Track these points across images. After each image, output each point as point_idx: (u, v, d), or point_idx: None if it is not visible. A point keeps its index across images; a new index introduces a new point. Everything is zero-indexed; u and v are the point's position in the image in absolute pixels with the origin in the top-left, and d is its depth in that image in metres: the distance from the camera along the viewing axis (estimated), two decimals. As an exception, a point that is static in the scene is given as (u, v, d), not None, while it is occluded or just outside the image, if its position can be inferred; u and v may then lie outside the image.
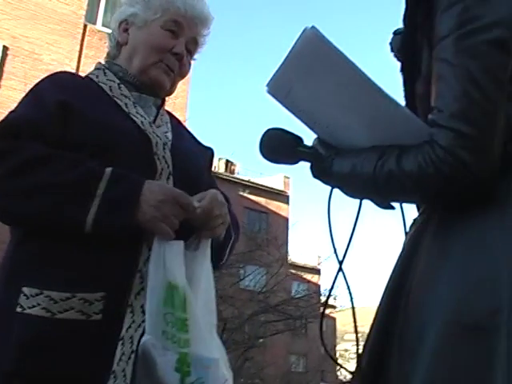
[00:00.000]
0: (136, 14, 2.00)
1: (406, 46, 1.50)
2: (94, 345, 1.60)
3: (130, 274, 1.66)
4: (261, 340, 22.01)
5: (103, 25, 18.87)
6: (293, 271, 26.61)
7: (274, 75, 1.40)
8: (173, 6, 1.97)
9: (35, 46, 17.08)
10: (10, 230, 1.80)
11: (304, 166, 1.58)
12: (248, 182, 33.92)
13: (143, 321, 1.60)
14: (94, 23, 18.73)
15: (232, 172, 34.93)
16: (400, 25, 1.52)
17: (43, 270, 1.65)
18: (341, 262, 1.53)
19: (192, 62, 2.12)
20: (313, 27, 1.32)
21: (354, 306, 1.64)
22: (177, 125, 2.11)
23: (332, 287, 1.62)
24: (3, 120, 1.75)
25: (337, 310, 25.43)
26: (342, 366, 1.99)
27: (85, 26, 18.26)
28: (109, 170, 1.65)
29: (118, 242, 1.65)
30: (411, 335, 1.27)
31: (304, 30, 1.32)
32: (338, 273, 1.54)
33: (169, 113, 2.15)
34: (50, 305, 1.59)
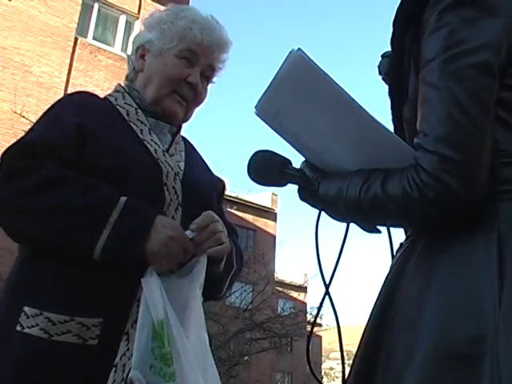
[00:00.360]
0: (152, 41, 2.01)
1: (394, 69, 1.50)
2: (88, 369, 1.61)
3: (128, 303, 1.68)
4: (246, 357, 21.88)
5: (94, 38, 18.89)
6: (279, 289, 26.53)
7: (262, 97, 1.41)
8: (189, 34, 1.97)
9: (26, 57, 17.04)
10: (18, 246, 1.81)
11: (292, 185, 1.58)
12: (236, 198, 33.84)
13: None
14: (85, 36, 18.71)
15: (220, 188, 34.78)
16: (388, 47, 1.51)
17: (45, 291, 1.66)
18: (327, 286, 1.52)
19: (210, 85, 2.12)
20: (299, 49, 1.31)
21: (340, 328, 1.63)
22: (191, 152, 2.11)
23: (318, 311, 1.61)
24: (21, 139, 1.77)
25: (323, 328, 25.31)
26: (325, 387, 1.95)
27: (76, 39, 18.24)
28: (123, 198, 1.67)
29: (120, 269, 1.66)
30: (397, 358, 1.25)
31: (290, 52, 1.32)
32: (324, 296, 1.53)
33: (185, 139, 2.16)
34: (48, 326, 1.60)
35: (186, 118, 2.08)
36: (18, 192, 1.66)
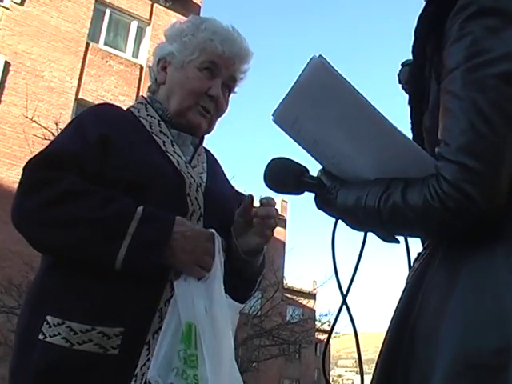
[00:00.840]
0: (173, 53, 2.03)
1: (414, 78, 1.49)
2: (109, 379, 1.62)
3: (150, 313, 1.68)
4: (254, 364, 21.90)
5: (105, 43, 19.01)
6: (288, 295, 26.52)
7: (280, 104, 1.39)
8: (210, 46, 1.98)
9: (37, 62, 17.14)
10: (41, 256, 1.84)
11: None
12: (246, 204, 33.84)
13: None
14: (97, 42, 18.83)
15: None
16: (408, 56, 1.51)
17: (67, 301, 1.67)
18: (345, 296, 1.51)
19: (232, 95, 2.14)
20: (320, 56, 1.30)
21: (358, 337, 1.61)
22: (213, 164, 2.14)
23: (335, 321, 1.60)
24: (44, 150, 1.79)
25: (332, 336, 25.41)
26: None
27: (87, 45, 18.35)
28: (140, 208, 1.68)
29: (142, 279, 1.67)
30: (417, 373, 1.24)
31: (311, 59, 1.31)
32: (341, 306, 1.52)
33: (207, 151, 2.18)
34: (69, 335, 1.62)
35: (209, 130, 2.10)
36: (38, 204, 1.67)
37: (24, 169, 1.74)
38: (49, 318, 1.64)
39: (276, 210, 1.84)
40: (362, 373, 1.52)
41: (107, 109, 2.02)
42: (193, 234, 1.72)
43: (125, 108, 2.06)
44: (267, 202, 1.80)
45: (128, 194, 1.72)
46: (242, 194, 2.19)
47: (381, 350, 1.40)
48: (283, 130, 1.46)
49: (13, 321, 11.61)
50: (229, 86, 2.07)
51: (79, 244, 1.65)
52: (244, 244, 1.85)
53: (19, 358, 1.70)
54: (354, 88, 1.30)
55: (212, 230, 1.76)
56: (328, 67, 1.30)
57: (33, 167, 1.74)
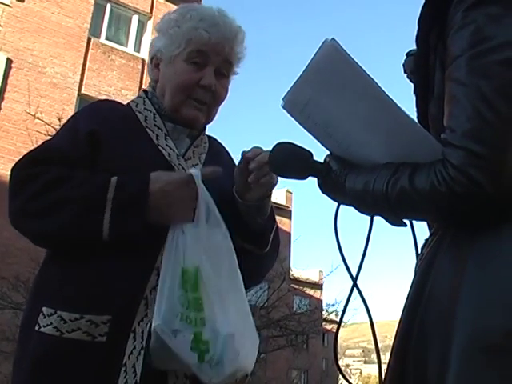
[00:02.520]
0: (161, 50, 2.01)
1: (419, 67, 1.50)
2: (98, 366, 1.66)
3: (135, 301, 1.70)
4: (262, 355, 21.92)
5: (107, 38, 19.03)
6: (295, 286, 26.55)
7: (291, 89, 1.40)
8: (195, 35, 1.94)
9: (39, 58, 17.16)
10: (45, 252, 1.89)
11: (308, 181, 1.59)
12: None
13: (142, 347, 1.65)
14: (98, 37, 18.84)
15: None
16: (412, 46, 1.52)
17: (59, 291, 1.72)
18: (355, 279, 1.52)
19: (233, 77, 2.10)
20: (332, 39, 1.31)
21: (373, 320, 1.62)
22: (216, 154, 2.12)
23: (346, 306, 1.60)
24: (37, 148, 1.86)
25: (341, 321, 25.38)
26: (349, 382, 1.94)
27: (89, 40, 18.37)
28: (114, 177, 1.71)
29: (129, 267, 1.71)
30: (430, 356, 1.25)
31: (323, 43, 1.32)
32: (352, 290, 1.53)
33: (212, 140, 2.17)
34: (60, 324, 1.67)
35: (208, 120, 2.07)
36: (26, 197, 1.72)
37: (11, 171, 1.79)
38: (44, 308, 1.70)
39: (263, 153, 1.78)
40: (379, 360, 1.53)
41: (101, 105, 2.05)
42: (172, 187, 1.74)
43: (126, 102, 2.07)
44: (253, 153, 1.79)
45: None
46: None
47: (395, 337, 1.41)
48: (291, 115, 1.46)
49: (20, 317, 11.64)
50: (224, 71, 2.02)
51: (66, 224, 1.69)
52: (249, 199, 1.87)
53: (20, 349, 1.77)
54: (366, 72, 1.32)
55: (190, 171, 1.77)
56: (340, 51, 1.31)
57: (19, 167, 1.80)
